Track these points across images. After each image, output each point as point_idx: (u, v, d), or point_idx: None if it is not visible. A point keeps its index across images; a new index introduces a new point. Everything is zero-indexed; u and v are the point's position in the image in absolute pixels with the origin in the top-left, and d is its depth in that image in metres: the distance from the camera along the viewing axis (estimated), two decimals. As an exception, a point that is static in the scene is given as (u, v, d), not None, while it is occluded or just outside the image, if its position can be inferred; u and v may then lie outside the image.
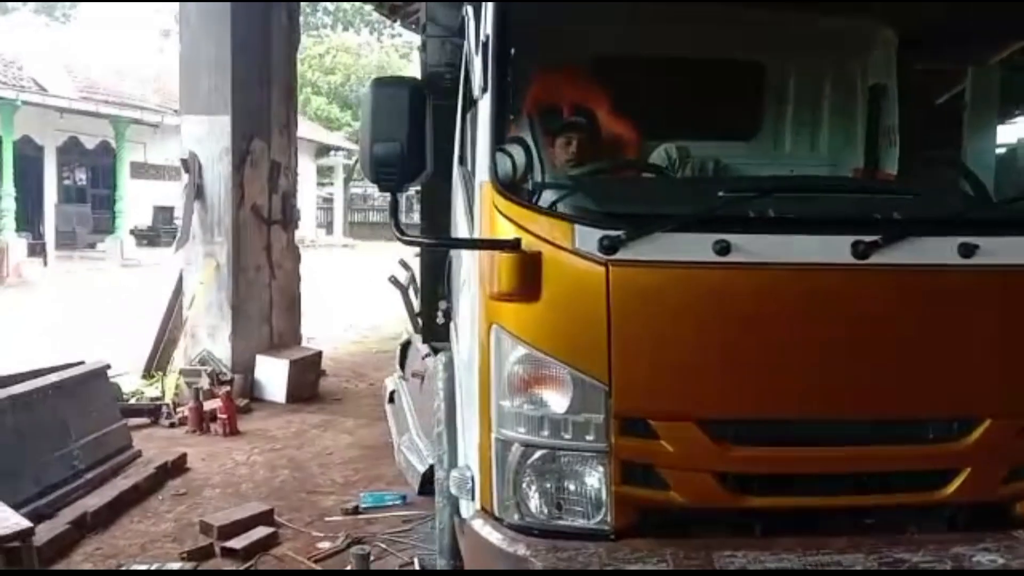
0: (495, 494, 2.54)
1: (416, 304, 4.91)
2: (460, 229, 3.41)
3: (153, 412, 6.68)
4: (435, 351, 4.15)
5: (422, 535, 4.56)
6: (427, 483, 5.04)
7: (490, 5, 2.61)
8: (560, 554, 2.37)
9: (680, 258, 2.42)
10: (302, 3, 8.32)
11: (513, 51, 2.59)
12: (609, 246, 2.39)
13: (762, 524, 2.52)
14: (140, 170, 22.64)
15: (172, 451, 5.71)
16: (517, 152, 2.63)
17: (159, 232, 22.74)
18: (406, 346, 7.80)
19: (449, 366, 3.52)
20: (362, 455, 6.00)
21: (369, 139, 2.46)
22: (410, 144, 2.44)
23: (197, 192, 7.30)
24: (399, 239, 2.56)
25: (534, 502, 2.49)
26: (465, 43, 3.55)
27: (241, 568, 4.11)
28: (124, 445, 5.62)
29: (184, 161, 7.34)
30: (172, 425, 6.55)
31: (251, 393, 7.37)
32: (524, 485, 2.49)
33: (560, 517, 2.50)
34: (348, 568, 4.05)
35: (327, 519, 4.76)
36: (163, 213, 23.14)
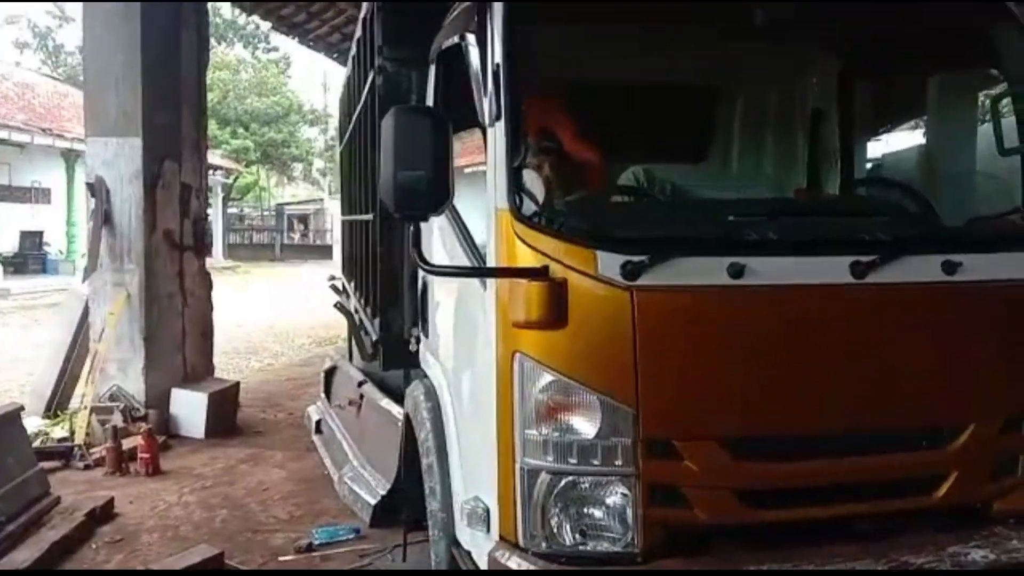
0: (520, 523, 2.52)
1: (373, 329, 4.78)
2: (438, 256, 3.42)
3: (64, 454, 6.25)
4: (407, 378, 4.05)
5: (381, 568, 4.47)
6: (378, 515, 4.97)
7: (498, 35, 2.62)
8: (594, 579, 2.38)
9: (698, 281, 2.50)
10: (207, 21, 8.02)
11: (521, 80, 2.61)
12: (632, 271, 2.44)
13: (771, 537, 2.61)
14: (4, 193, 21.24)
15: (96, 496, 5.36)
16: (530, 179, 2.64)
17: (27, 259, 21.34)
18: (331, 373, 7.64)
19: (432, 395, 3.47)
20: (300, 489, 5.80)
21: (392, 168, 2.41)
22: (435, 173, 2.41)
23: (105, 217, 6.90)
24: (424, 269, 2.52)
25: (561, 530, 2.49)
26: (431, 75, 3.57)
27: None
28: (43, 492, 5.24)
29: (90, 185, 6.94)
30: (87, 467, 6.14)
31: (167, 429, 6.99)
32: (552, 513, 2.48)
33: (585, 543, 2.50)
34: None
35: (281, 558, 4.59)
36: (30, 238, 21.75)
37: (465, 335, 3.09)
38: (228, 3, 11.62)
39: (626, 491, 2.47)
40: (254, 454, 6.65)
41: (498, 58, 2.61)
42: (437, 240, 3.50)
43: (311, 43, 13.51)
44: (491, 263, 2.65)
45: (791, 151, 4.27)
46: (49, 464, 5.95)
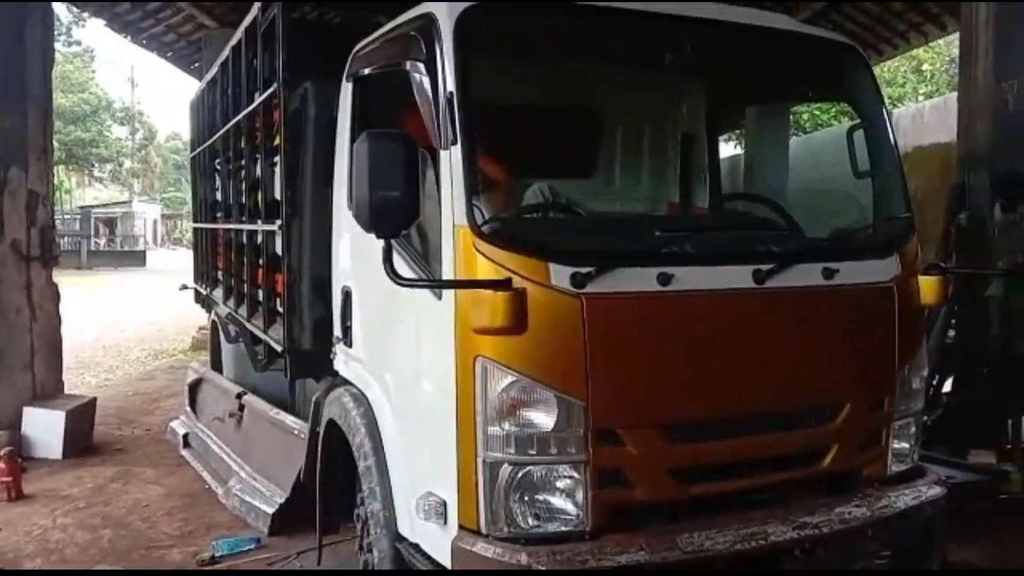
0: (482, 512, 2.76)
1: (273, 340, 4.81)
2: (348, 269, 3.64)
3: (-93, 483, 5.74)
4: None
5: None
6: (276, 523, 5.02)
7: (449, 65, 2.85)
8: (558, 556, 2.66)
9: (635, 288, 2.85)
10: (52, 16, 7.57)
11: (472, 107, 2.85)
12: (580, 281, 2.75)
13: (692, 510, 3.01)
14: None
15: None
16: (483, 197, 2.87)
17: None
18: (196, 386, 7.47)
19: (361, 400, 3.62)
20: (183, 504, 5.68)
21: (367, 189, 2.59)
22: (406, 193, 2.61)
23: (-56, 228, 6.40)
24: (396, 282, 2.69)
25: (521, 515, 2.76)
26: (347, 93, 3.73)
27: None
28: None
29: (-74, 193, 6.40)
30: (-64, 496, 5.69)
31: (20, 451, 6.55)
32: (512, 500, 2.74)
33: (541, 525, 2.79)
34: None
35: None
36: None
37: (410, 342, 3.28)
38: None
39: (578, 476, 2.77)
40: (122, 472, 6.39)
41: (451, 87, 2.84)
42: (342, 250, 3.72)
43: (142, 41, 12.91)
44: (447, 275, 2.87)
45: (665, 168, 4.76)
46: None
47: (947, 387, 7.13)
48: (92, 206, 46.29)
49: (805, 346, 3.15)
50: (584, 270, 2.76)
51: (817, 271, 3.17)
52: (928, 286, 3.40)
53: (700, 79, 4.44)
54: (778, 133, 7.98)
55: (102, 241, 43.69)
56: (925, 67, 22.03)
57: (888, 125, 3.65)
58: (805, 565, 3.01)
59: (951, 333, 7.00)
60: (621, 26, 3.27)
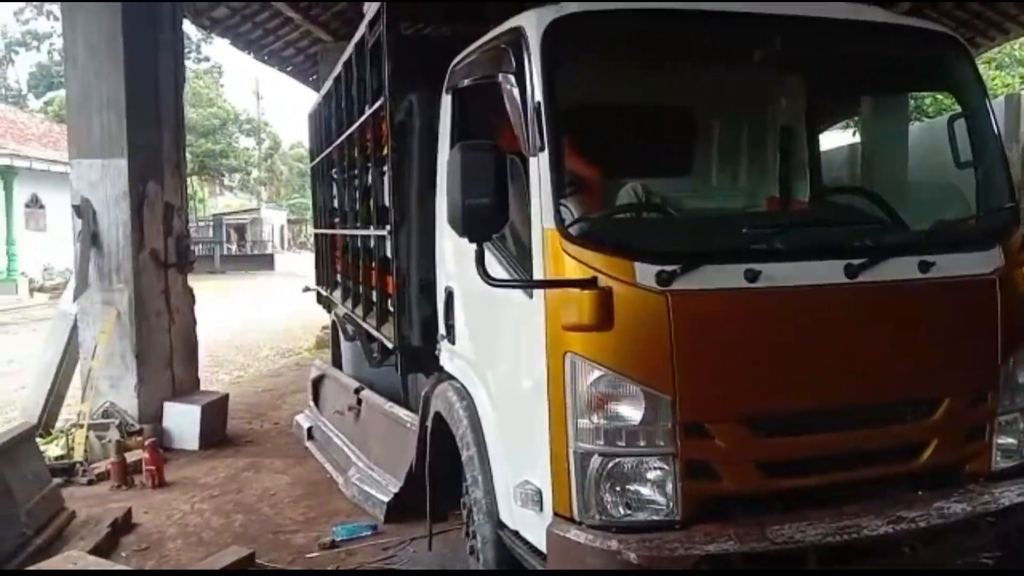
0: (575, 501, 2.90)
1: (386, 338, 5.10)
2: (450, 270, 3.87)
3: (66, 471, 6.37)
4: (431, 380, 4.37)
5: (404, 559, 4.79)
6: (391, 511, 5.30)
7: (536, 75, 3.00)
8: (647, 544, 2.77)
9: (721, 285, 2.92)
10: (182, 42, 8.18)
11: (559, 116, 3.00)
12: (666, 279, 2.85)
13: (785, 503, 3.05)
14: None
15: (110, 508, 5.54)
16: (571, 200, 3.02)
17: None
18: (319, 382, 7.91)
19: (464, 394, 3.83)
20: (307, 492, 6.06)
21: (460, 197, 2.78)
22: (495, 201, 2.79)
23: (92, 238, 7.04)
24: (488, 282, 2.88)
25: (612, 503, 2.88)
26: (447, 105, 3.94)
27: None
28: (59, 507, 5.41)
29: (77, 207, 7.06)
30: (91, 483, 6.30)
31: (161, 443, 7.15)
32: (603, 490, 2.87)
33: (632, 514, 2.90)
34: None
35: (307, 556, 4.87)
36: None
37: (506, 339, 3.46)
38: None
39: (667, 467, 2.87)
40: (253, 462, 6.87)
41: (539, 97, 2.99)
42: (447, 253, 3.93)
43: (264, 57, 13.66)
44: (538, 276, 3.02)
45: (765, 164, 4.75)
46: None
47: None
48: (224, 213, 48.92)
49: (899, 340, 3.13)
50: (669, 268, 2.85)
51: (913, 264, 3.15)
52: (1035, 278, 3.31)
53: (795, 74, 4.42)
54: (895, 122, 7.71)
55: (233, 246, 46.13)
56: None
57: (991, 114, 3.56)
58: (908, 562, 3.01)
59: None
60: (706, 28, 3.34)
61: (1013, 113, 13.14)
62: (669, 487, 2.88)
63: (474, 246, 2.95)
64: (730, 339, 2.94)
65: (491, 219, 2.83)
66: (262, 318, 18.50)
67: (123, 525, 5.30)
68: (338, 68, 6.72)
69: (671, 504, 2.88)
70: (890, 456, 3.17)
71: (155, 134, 7.47)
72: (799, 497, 3.04)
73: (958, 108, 3.73)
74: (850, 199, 4.11)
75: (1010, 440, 3.36)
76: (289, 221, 59.12)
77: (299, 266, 38.07)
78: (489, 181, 2.79)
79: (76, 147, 7.18)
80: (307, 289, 9.94)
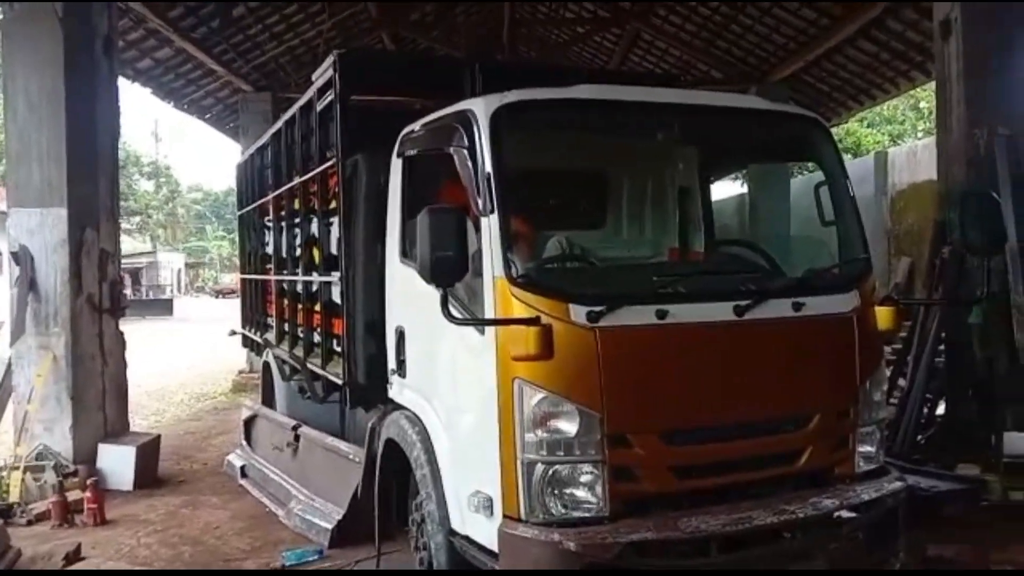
0: (522, 503, 3.49)
1: (333, 375, 5.57)
2: (401, 312, 4.44)
3: (3, 513, 6.50)
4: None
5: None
6: (335, 538, 5.72)
7: (486, 151, 3.64)
8: (582, 535, 3.37)
9: (638, 322, 3.59)
10: (118, 92, 8.47)
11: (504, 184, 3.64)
12: (594, 317, 3.50)
13: (692, 501, 3.70)
14: None
15: (57, 544, 5.74)
16: (515, 253, 3.64)
17: None
18: (250, 421, 8.23)
19: (416, 420, 4.36)
20: (249, 525, 6.38)
21: (429, 251, 3.37)
22: (459, 253, 3.38)
23: (30, 284, 7.24)
24: (452, 321, 3.46)
25: (553, 504, 3.48)
26: (397, 168, 4.52)
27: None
28: (6, 546, 5.59)
29: (15, 254, 7.25)
30: (30, 523, 6.44)
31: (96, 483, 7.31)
32: (546, 493, 3.46)
33: (569, 512, 3.50)
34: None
35: (261, 579, 5.23)
36: None
37: (459, 369, 4.02)
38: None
39: (597, 473, 3.49)
40: (190, 500, 7.12)
41: (488, 168, 3.63)
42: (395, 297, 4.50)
43: (184, 106, 13.92)
44: (489, 315, 3.62)
45: (666, 218, 5.53)
46: (-12, 522, 6.22)
47: (940, 409, 7.81)
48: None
49: (779, 366, 3.87)
50: (597, 308, 3.51)
51: (788, 305, 3.90)
52: (884, 315, 4.11)
53: (692, 147, 5.23)
54: (777, 182, 8.75)
55: (128, 291, 44.83)
56: (923, 105, 22.83)
57: (847, 181, 4.38)
58: (790, 547, 3.71)
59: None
60: (621, 112, 4.08)
61: (881, 168, 14.70)
62: (599, 489, 3.50)
63: (431, 290, 3.53)
64: (647, 366, 3.61)
65: (455, 269, 3.42)
66: (170, 364, 18.32)
67: (74, 559, 5.52)
68: (278, 125, 7.22)
69: (601, 503, 3.50)
70: (775, 461, 3.88)
71: (92, 184, 7.72)
72: (704, 495, 3.71)
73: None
74: (738, 250, 4.91)
75: (869, 448, 4.12)
76: (187, 265, 57.87)
77: (199, 311, 37.47)
78: (453, 237, 3.39)
79: (15, 197, 7.38)
80: (233, 333, 10.20)
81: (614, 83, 4.93)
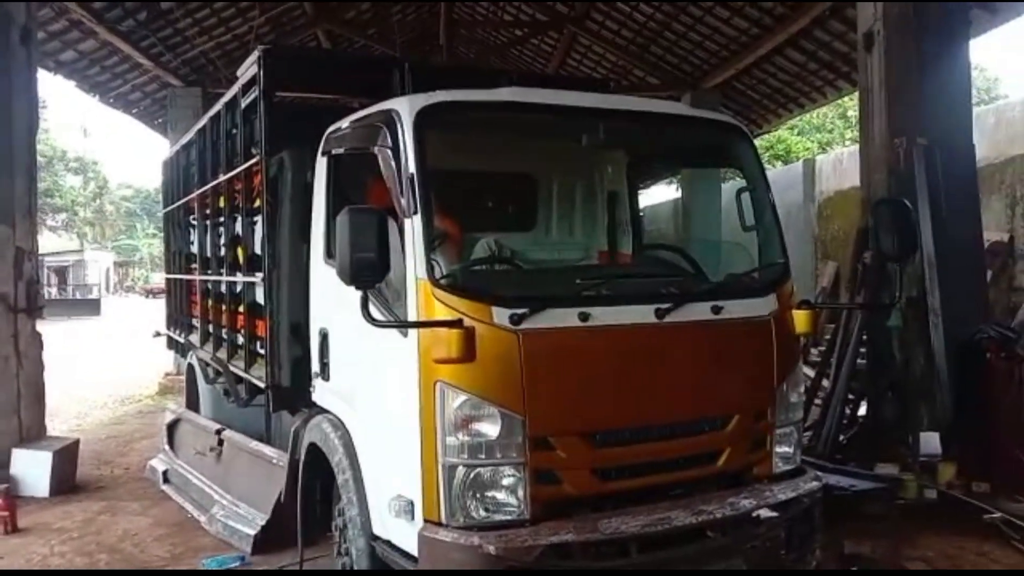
0: (443, 507, 3.45)
1: (255, 378, 5.45)
2: (324, 314, 4.35)
3: (-94, 522, 6.20)
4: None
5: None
6: (258, 542, 5.61)
7: (409, 151, 3.61)
8: (503, 538, 3.36)
9: (560, 324, 3.59)
10: (36, 85, 8.17)
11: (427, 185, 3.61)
12: (517, 320, 3.49)
13: (613, 503, 3.72)
14: None
15: (-38, 556, 5.51)
16: (438, 255, 3.62)
17: None
18: (174, 425, 8.01)
19: (339, 424, 4.30)
20: (170, 532, 6.21)
21: (348, 252, 3.31)
22: (380, 254, 3.34)
23: (-61, 283, 6.93)
24: (372, 324, 3.40)
25: (474, 508, 3.45)
26: (322, 166, 4.46)
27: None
28: (-92, 556, 5.34)
29: (-77, 252, 6.94)
30: (-65, 532, 6.16)
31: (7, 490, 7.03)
32: (467, 496, 3.44)
33: (490, 516, 3.48)
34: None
35: (180, 588, 5.09)
36: None
37: (381, 372, 3.97)
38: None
39: (518, 475, 3.48)
40: (108, 506, 6.90)
41: (412, 169, 3.59)
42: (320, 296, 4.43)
43: (110, 100, 13.52)
44: (412, 318, 3.58)
45: (595, 221, 5.57)
46: None
47: (862, 410, 8.05)
48: (44, 255, 45.92)
49: (699, 368, 3.92)
50: (520, 311, 3.50)
51: (707, 308, 3.95)
52: (801, 318, 4.20)
53: (618, 151, 5.27)
54: (707, 187, 8.86)
55: (54, 290, 43.32)
56: (850, 113, 23.51)
57: (768, 188, 4.47)
58: (709, 546, 3.75)
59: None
60: (547, 114, 4.08)
61: (809, 175, 15.08)
62: (520, 492, 3.49)
63: (353, 292, 3.48)
64: (569, 368, 3.61)
65: (375, 270, 3.36)
66: (95, 366, 17.76)
67: (-20, 570, 5.31)
68: (203, 121, 7.05)
69: (522, 506, 3.49)
70: (695, 462, 3.92)
71: (7, 180, 7.44)
72: (625, 497, 3.73)
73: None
74: (664, 254, 4.97)
75: (786, 449, 4.21)
76: (116, 264, 56.24)
77: (127, 311, 36.41)
78: (373, 238, 3.33)
79: (-77, 193, 7.07)
80: (158, 334, 9.93)
81: (544, 87, 4.94)
